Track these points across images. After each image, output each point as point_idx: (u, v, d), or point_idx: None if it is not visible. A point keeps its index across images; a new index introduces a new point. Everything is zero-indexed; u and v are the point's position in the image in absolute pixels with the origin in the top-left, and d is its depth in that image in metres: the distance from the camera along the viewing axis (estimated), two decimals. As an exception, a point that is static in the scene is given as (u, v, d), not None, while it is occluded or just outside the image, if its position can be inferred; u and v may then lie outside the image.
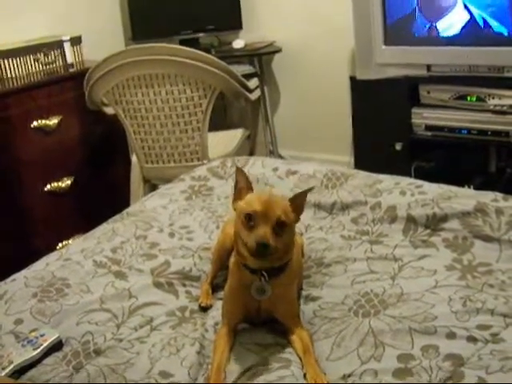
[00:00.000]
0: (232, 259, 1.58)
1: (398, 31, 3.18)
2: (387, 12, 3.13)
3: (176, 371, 1.39)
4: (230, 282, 1.57)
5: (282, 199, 1.49)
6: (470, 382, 1.22)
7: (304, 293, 1.66)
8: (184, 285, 1.75)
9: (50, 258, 1.89)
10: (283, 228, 1.43)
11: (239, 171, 1.55)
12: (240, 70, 3.59)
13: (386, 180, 2.10)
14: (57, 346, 1.48)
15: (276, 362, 1.40)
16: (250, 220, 1.42)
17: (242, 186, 1.53)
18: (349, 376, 1.33)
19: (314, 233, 1.96)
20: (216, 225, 2.03)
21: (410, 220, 1.88)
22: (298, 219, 1.52)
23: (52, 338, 1.47)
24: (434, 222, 1.85)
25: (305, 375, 1.37)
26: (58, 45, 3.35)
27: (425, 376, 1.28)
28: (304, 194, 1.54)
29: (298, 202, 1.51)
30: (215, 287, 1.73)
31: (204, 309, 1.64)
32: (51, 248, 1.99)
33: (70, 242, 2.99)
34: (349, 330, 1.46)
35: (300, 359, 1.42)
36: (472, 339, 1.37)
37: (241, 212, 1.45)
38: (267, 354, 1.44)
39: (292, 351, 1.45)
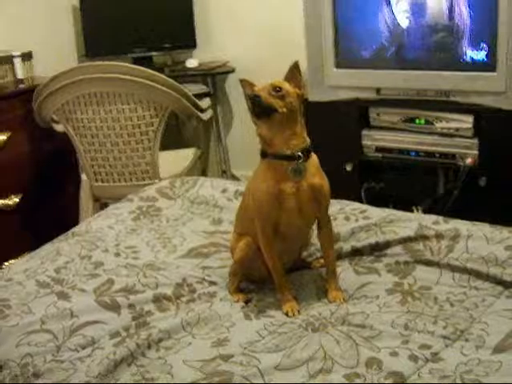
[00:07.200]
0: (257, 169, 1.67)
1: (349, 54, 3.23)
2: (339, 35, 3.18)
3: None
4: (261, 188, 1.61)
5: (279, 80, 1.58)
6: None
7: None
8: (128, 298, 1.70)
9: (-9, 278, 1.85)
10: (281, 93, 1.53)
11: (243, 82, 1.66)
12: (193, 89, 3.60)
13: (332, 205, 2.11)
14: (-5, 370, 1.45)
15: None
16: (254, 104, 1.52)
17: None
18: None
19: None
20: (163, 245, 2.01)
21: (355, 252, 1.90)
22: (299, 91, 1.59)
23: (-10, 362, 1.44)
24: (378, 249, 1.88)
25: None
26: (8, 60, 3.31)
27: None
28: (293, 66, 1.60)
29: (291, 76, 1.59)
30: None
31: None
32: (-3, 267, 1.96)
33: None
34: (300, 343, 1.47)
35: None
36: (413, 358, 1.38)
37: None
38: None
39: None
